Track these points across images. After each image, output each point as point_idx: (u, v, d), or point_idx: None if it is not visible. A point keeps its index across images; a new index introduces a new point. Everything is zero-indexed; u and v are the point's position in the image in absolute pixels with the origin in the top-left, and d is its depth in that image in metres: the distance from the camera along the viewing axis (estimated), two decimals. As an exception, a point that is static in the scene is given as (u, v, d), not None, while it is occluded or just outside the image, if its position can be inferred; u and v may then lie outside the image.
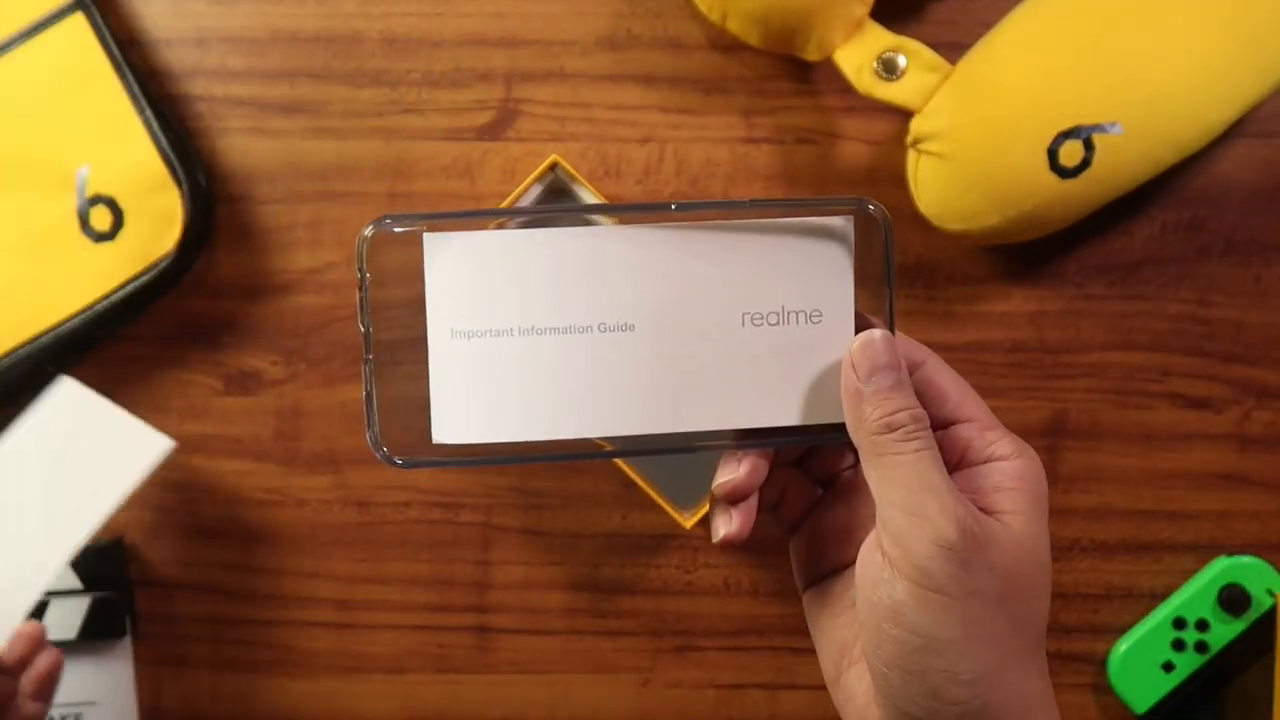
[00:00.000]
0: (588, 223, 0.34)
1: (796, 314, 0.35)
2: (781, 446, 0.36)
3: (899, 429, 0.33)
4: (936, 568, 0.32)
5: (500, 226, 0.35)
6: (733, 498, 0.36)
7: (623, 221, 0.35)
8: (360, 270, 0.34)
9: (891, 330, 0.35)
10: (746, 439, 0.36)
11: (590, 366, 0.35)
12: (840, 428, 0.35)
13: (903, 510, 0.32)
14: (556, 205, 0.35)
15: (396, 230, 0.34)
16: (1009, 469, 0.34)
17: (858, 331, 0.35)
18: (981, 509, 0.34)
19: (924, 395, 0.35)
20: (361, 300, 0.34)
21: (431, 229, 0.34)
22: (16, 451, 0.52)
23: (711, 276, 0.35)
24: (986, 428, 0.35)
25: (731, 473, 0.36)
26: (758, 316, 0.35)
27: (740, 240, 0.35)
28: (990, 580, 0.32)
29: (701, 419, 0.35)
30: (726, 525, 0.36)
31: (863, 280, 0.35)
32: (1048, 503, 0.35)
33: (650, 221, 0.34)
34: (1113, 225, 0.56)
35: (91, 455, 0.53)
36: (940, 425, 0.36)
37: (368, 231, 0.34)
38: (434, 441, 0.34)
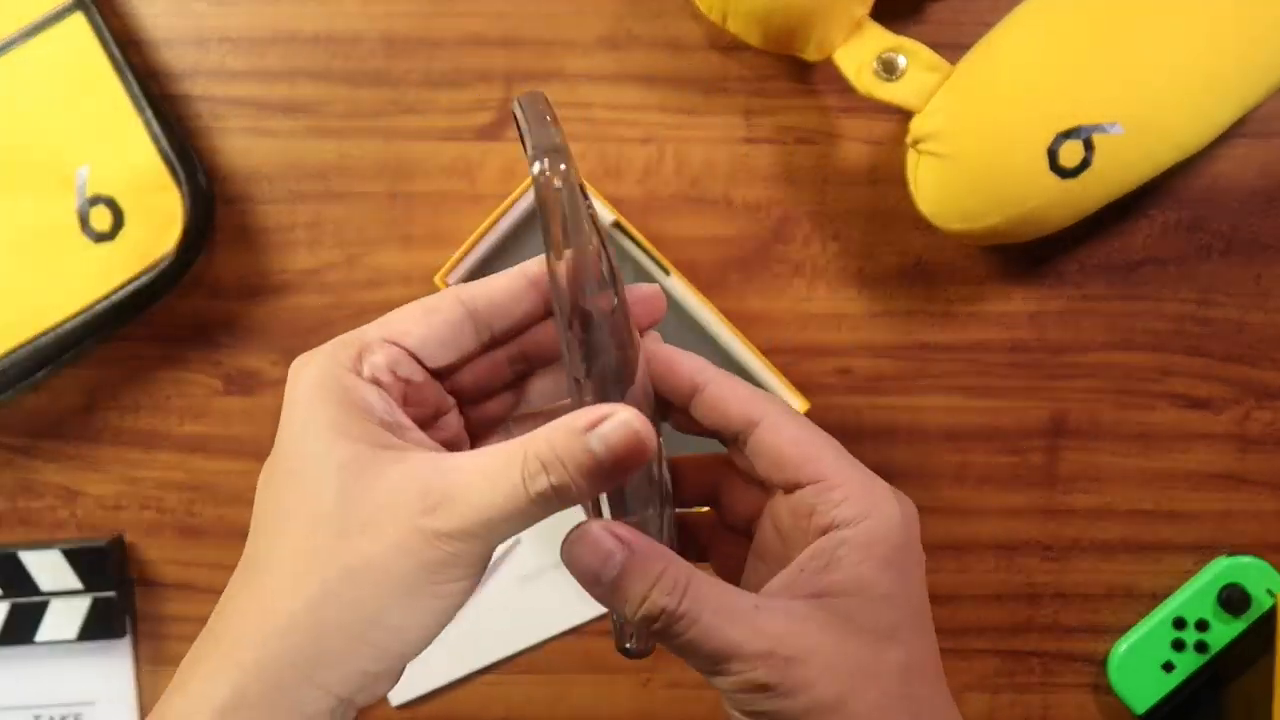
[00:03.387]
0: None
1: None
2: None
3: (660, 615, 0.30)
4: (765, 710, 0.30)
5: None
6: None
7: None
8: None
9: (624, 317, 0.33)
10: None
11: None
12: None
13: (711, 674, 0.31)
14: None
15: None
16: (854, 537, 0.31)
17: None
18: (821, 589, 0.31)
19: (762, 458, 0.33)
20: None
21: None
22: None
23: None
24: (832, 486, 0.32)
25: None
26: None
27: None
28: (819, 692, 0.30)
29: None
30: None
31: None
32: (911, 550, 0.32)
33: None
34: (1113, 225, 0.56)
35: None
36: (787, 488, 0.33)
37: None
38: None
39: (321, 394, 0.31)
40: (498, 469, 0.30)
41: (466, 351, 0.33)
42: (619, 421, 0.29)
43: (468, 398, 0.35)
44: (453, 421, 0.35)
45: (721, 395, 0.33)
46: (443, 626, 0.31)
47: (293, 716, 0.30)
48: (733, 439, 0.34)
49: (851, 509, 0.32)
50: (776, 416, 0.33)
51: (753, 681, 0.30)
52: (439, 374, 0.34)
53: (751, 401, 0.33)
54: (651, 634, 0.31)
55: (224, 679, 0.30)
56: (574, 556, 0.31)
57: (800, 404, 0.54)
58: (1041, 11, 0.48)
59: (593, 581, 0.31)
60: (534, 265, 0.33)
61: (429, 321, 0.32)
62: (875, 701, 0.30)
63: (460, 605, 0.31)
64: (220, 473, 0.58)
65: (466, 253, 0.53)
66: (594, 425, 0.29)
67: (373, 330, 0.32)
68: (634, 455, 0.29)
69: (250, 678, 0.30)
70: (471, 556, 0.30)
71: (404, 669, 0.32)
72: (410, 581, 0.29)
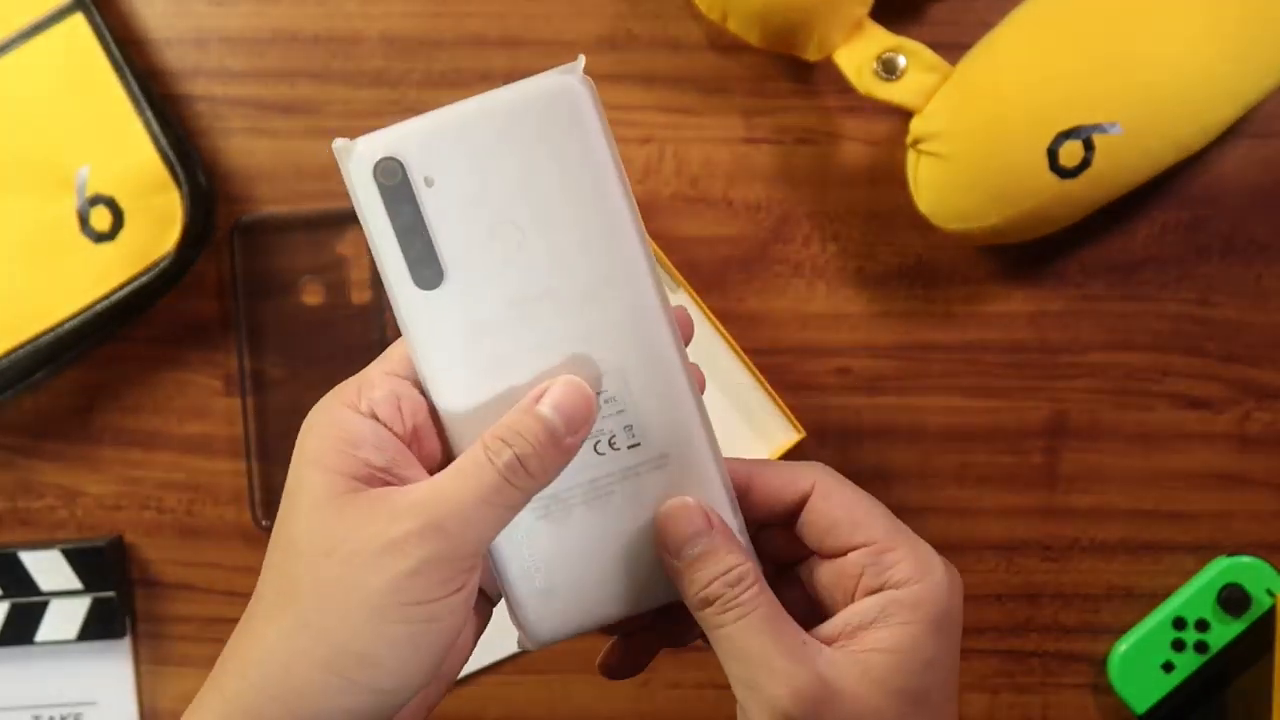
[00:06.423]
0: None
1: None
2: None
3: (715, 600, 0.31)
4: None
5: None
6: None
7: None
8: None
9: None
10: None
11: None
12: None
13: (740, 683, 0.31)
14: None
15: None
16: (904, 598, 0.32)
17: None
18: (863, 645, 0.32)
19: (813, 526, 0.33)
20: None
21: None
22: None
23: None
24: (885, 549, 0.32)
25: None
26: None
27: None
28: None
29: None
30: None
31: None
32: (955, 618, 0.33)
33: None
34: (1113, 225, 0.56)
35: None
36: (836, 554, 0.33)
37: None
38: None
39: (314, 431, 0.31)
40: (462, 462, 0.30)
41: None
42: (562, 382, 0.31)
43: None
44: None
45: (769, 481, 0.34)
46: (428, 663, 0.30)
47: None
48: (785, 518, 0.34)
49: (904, 572, 0.32)
50: (827, 482, 0.34)
51: (776, 707, 0.30)
52: None
53: (798, 472, 0.34)
54: (702, 615, 0.32)
55: (211, 710, 0.30)
56: (668, 523, 0.32)
57: (796, 434, 0.54)
58: (1041, 11, 0.48)
59: (674, 553, 0.32)
60: None
61: None
62: None
63: (446, 636, 0.30)
64: (220, 473, 0.58)
65: None
66: (540, 397, 0.31)
67: (374, 366, 0.33)
68: (581, 410, 0.31)
69: (233, 708, 0.29)
70: (446, 563, 0.29)
71: (396, 711, 0.31)
72: (377, 601, 0.28)
